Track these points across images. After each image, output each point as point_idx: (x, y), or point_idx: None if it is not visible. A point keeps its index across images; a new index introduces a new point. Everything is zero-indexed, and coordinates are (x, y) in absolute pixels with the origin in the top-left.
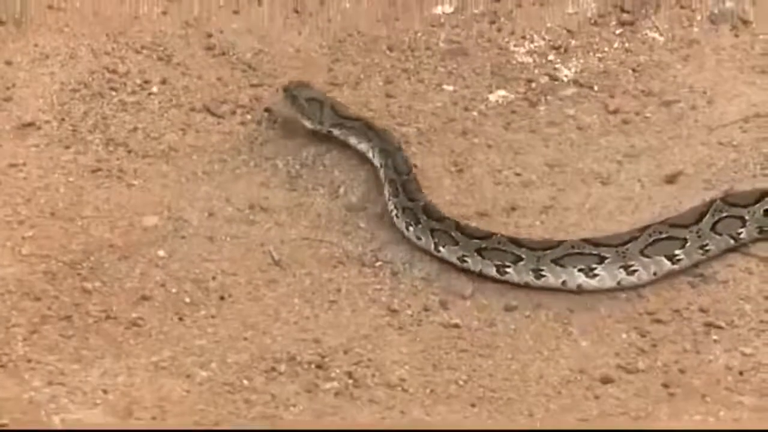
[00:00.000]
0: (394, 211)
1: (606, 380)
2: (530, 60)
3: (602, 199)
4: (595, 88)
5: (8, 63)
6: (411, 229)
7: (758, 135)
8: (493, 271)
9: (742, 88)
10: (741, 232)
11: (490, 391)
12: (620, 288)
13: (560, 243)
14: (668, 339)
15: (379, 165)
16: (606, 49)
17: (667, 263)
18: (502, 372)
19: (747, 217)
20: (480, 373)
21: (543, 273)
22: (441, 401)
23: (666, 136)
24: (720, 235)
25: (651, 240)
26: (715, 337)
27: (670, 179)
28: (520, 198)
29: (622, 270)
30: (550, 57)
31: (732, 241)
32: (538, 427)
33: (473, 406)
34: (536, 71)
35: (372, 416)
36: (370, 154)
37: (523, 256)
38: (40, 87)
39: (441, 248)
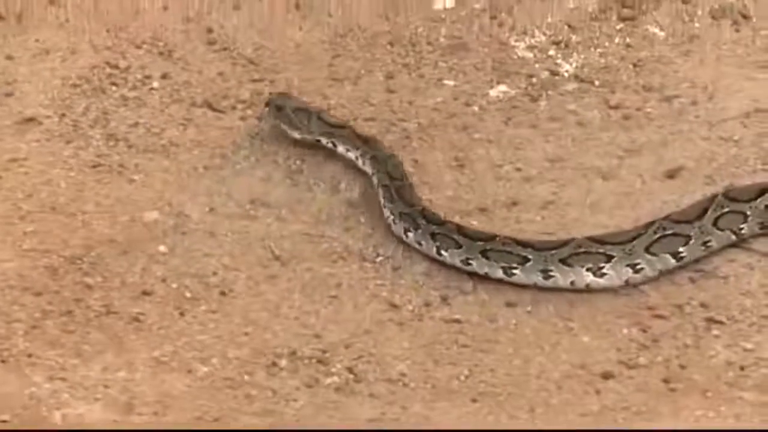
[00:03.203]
0: (391, 217)
1: (607, 375)
2: (531, 55)
3: (603, 194)
4: (596, 83)
5: (9, 58)
6: (410, 234)
7: (759, 130)
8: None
9: (742, 84)
10: (743, 228)
11: (491, 386)
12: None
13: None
14: (669, 334)
15: (370, 172)
16: (607, 44)
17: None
18: (503, 367)
19: (749, 213)
20: (481, 368)
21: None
22: (442, 396)
23: (667, 131)
24: (722, 230)
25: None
26: (716, 333)
27: (671, 174)
28: (521, 193)
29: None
30: (551, 52)
31: (733, 237)
32: (538, 425)
33: (474, 401)
34: (537, 66)
35: (373, 411)
36: (359, 162)
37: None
38: (41, 82)
39: (443, 252)
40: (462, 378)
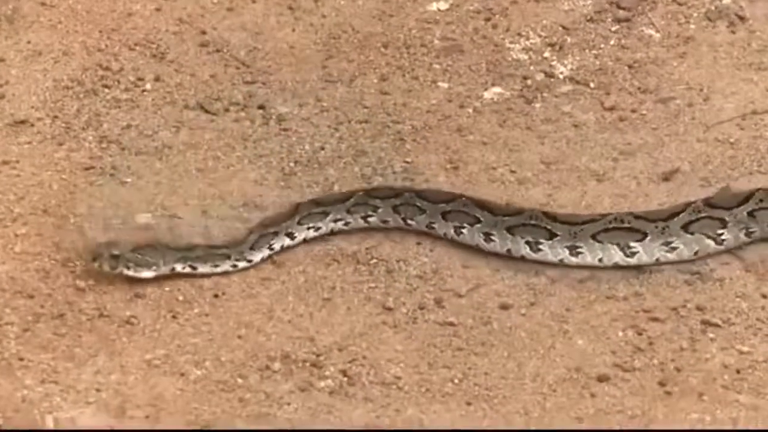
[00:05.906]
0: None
1: (602, 378)
2: (526, 57)
3: (598, 196)
4: (591, 85)
5: (1, 60)
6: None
7: (755, 132)
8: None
9: (738, 85)
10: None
11: (485, 389)
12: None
13: (455, 197)
14: (665, 337)
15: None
16: (602, 45)
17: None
18: (497, 370)
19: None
20: (475, 371)
21: (434, 225)
22: (436, 400)
23: (662, 133)
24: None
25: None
26: (711, 335)
27: (667, 176)
28: (516, 196)
29: (482, 237)
30: (546, 54)
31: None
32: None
33: (469, 404)
34: (532, 68)
35: (367, 415)
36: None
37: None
38: (33, 84)
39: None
40: (456, 381)
